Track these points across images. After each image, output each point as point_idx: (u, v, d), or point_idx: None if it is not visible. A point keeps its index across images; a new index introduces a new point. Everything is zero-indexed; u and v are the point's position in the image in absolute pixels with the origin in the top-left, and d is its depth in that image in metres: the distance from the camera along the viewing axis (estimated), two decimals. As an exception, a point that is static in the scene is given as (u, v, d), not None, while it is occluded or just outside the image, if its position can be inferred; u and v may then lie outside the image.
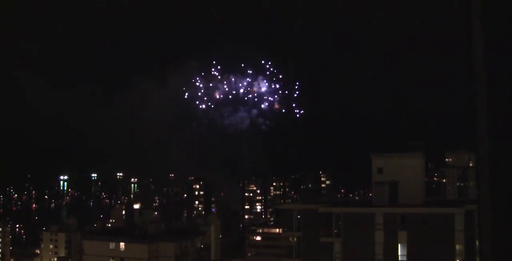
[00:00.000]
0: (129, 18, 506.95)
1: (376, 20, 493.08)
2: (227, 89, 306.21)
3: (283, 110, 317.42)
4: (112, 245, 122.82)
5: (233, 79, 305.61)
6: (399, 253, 65.07)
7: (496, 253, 3.97)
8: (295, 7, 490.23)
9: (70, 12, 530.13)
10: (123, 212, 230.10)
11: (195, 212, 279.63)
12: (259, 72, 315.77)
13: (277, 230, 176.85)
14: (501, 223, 4.00)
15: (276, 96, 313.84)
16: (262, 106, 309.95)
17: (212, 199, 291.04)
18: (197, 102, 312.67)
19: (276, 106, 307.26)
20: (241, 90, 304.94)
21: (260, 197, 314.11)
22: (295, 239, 74.48)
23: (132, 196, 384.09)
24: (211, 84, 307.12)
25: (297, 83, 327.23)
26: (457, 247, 64.12)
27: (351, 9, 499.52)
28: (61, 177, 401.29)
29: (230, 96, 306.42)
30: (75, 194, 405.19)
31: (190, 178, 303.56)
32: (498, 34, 4.00)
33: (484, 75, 4.06)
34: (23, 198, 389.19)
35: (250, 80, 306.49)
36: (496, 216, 4.02)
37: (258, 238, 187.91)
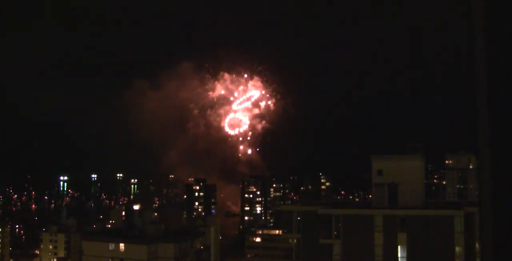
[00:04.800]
0: (125, 19, 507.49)
1: (375, 20, 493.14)
2: (223, 90, 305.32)
3: (281, 111, 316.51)
4: (111, 246, 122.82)
5: (228, 80, 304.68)
6: (399, 255, 65.05)
7: (497, 255, 3.97)
8: (292, 9, 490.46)
9: (69, 11, 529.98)
10: (123, 213, 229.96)
11: (194, 213, 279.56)
12: (254, 72, 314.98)
13: (277, 231, 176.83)
14: (503, 225, 4.00)
15: (273, 98, 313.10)
16: (260, 106, 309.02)
17: (212, 200, 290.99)
18: (194, 103, 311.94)
19: (272, 107, 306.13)
20: (238, 90, 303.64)
21: (260, 199, 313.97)
22: (295, 240, 74.48)
23: (131, 197, 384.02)
24: (207, 85, 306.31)
25: (295, 84, 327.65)
26: (457, 249, 64.13)
27: (349, 8, 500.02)
28: (61, 178, 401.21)
29: (226, 97, 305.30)
30: (75, 194, 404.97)
31: (189, 179, 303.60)
32: (500, 36, 4.00)
33: (486, 76, 4.07)
34: (23, 198, 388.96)
35: (245, 80, 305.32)
36: (498, 218, 4.02)
37: (258, 239, 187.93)
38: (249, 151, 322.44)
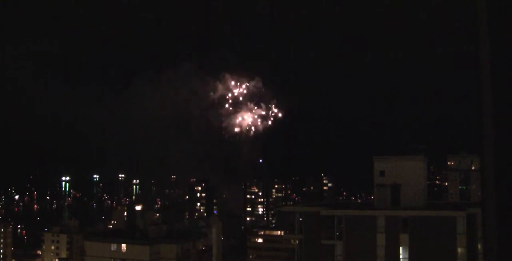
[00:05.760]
0: (128, 19, 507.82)
1: (378, 21, 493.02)
2: (224, 90, 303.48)
3: (283, 112, 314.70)
4: (113, 247, 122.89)
5: (229, 80, 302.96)
6: (401, 256, 65.00)
7: (501, 256, 3.98)
8: (292, 11, 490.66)
9: (69, 12, 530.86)
10: (125, 214, 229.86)
11: (196, 214, 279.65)
12: (255, 73, 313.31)
13: (279, 232, 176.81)
14: (506, 225, 4.01)
15: (274, 98, 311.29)
16: (262, 107, 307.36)
17: (214, 201, 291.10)
18: (195, 104, 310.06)
19: (274, 108, 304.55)
20: (240, 90, 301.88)
21: (262, 199, 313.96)
22: (297, 241, 74.44)
23: (133, 197, 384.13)
24: (208, 85, 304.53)
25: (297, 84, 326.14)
26: (459, 250, 64.04)
27: (351, 9, 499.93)
28: (63, 178, 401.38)
29: (227, 97, 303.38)
30: (77, 195, 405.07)
31: (191, 180, 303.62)
32: (505, 37, 4.01)
33: (490, 77, 4.08)
34: (25, 199, 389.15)
35: (247, 80, 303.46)
36: (501, 218, 4.03)
37: (260, 240, 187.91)
38: (251, 152, 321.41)
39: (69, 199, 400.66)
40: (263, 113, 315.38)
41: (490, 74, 4.06)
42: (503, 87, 4.03)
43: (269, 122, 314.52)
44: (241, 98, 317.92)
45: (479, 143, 4.15)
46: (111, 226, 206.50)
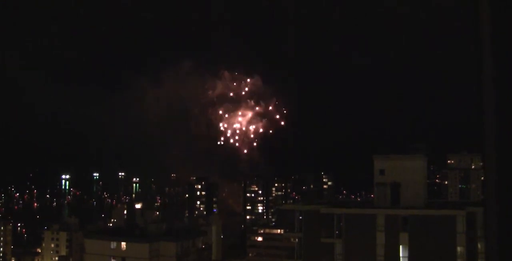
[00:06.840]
0: (128, 19, 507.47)
1: (378, 21, 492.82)
2: (223, 88, 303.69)
3: (283, 110, 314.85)
4: (113, 245, 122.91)
5: (229, 78, 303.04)
6: (401, 255, 65.02)
7: (502, 255, 3.99)
8: (293, 11, 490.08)
9: (69, 11, 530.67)
10: (125, 212, 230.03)
11: (196, 212, 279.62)
12: (255, 71, 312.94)
13: (279, 230, 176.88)
14: (508, 224, 4.02)
15: (274, 97, 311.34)
16: (261, 105, 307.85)
17: (214, 199, 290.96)
18: (194, 102, 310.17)
19: (274, 106, 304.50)
20: (239, 89, 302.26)
21: (262, 198, 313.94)
22: (296, 239, 74.47)
23: (133, 195, 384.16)
24: (207, 84, 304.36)
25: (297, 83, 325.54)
26: (458, 249, 64.08)
27: (350, 8, 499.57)
28: (63, 176, 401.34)
29: (227, 96, 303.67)
30: (77, 193, 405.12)
31: (191, 178, 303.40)
32: (506, 37, 4.01)
33: (492, 75, 4.08)
34: (25, 197, 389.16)
35: (246, 79, 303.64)
36: (503, 217, 4.03)
37: (260, 238, 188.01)
38: (251, 150, 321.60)
39: (69, 197, 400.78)
40: (263, 111, 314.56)
41: (491, 74, 4.06)
42: (504, 87, 4.03)
43: (269, 120, 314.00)
44: (240, 96, 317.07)
45: (480, 143, 4.16)
46: (111, 224, 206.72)
